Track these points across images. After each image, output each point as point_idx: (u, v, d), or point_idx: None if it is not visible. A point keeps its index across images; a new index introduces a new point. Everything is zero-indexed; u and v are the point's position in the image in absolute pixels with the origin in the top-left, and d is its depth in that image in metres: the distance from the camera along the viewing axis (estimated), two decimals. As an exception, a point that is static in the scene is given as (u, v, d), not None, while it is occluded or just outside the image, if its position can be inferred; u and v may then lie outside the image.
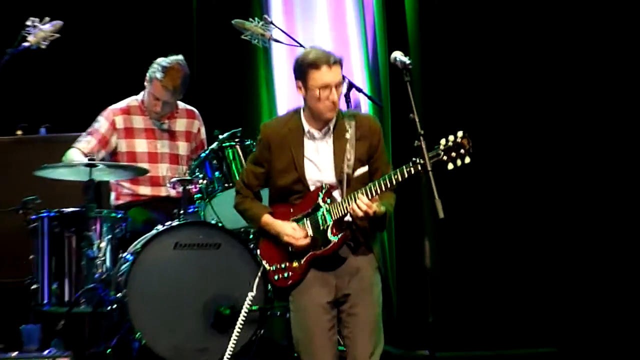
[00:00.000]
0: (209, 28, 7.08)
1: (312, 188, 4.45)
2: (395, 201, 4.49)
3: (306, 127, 4.47)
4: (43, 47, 5.45)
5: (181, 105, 6.17)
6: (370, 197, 4.31)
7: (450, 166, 4.20)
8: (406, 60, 4.41)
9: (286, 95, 7.01)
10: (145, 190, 6.05)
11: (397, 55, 4.45)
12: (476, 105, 6.76)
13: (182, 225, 5.44)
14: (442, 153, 4.21)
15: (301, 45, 5.77)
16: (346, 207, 4.34)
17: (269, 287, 5.09)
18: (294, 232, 4.41)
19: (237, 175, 5.48)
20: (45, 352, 5.41)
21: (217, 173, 5.62)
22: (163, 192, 6.06)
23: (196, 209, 5.71)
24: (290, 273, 4.46)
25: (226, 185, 5.58)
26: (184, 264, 5.37)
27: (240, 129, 5.69)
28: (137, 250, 5.39)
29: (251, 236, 5.56)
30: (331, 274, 4.46)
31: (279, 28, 5.95)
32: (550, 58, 6.74)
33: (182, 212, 5.55)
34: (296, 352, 4.53)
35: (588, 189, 6.67)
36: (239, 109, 7.04)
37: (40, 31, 5.43)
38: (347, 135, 4.41)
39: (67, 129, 6.43)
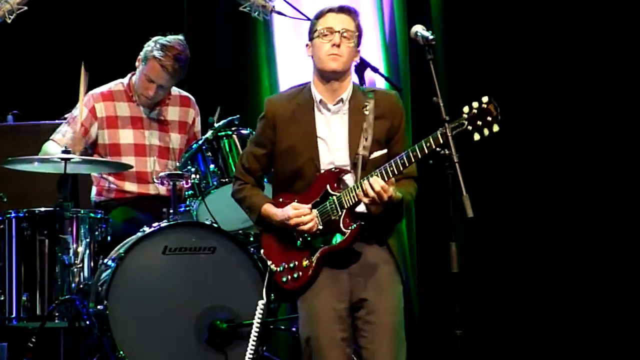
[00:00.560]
0: (201, -1, 7.10)
1: (322, 171, 4.37)
2: (417, 192, 4.41)
3: (317, 96, 4.37)
4: (9, 21, 5.44)
5: (174, 90, 5.99)
6: (386, 178, 4.19)
7: (477, 136, 4.09)
8: (429, 35, 4.26)
9: (291, 77, 6.84)
10: (131, 187, 5.89)
11: (418, 29, 4.31)
12: (510, 85, 6.59)
13: (171, 226, 5.30)
14: (467, 122, 4.10)
15: (308, 18, 5.58)
16: (360, 194, 4.23)
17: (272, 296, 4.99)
18: (297, 211, 4.30)
19: (234, 168, 5.35)
20: (14, 374, 5.47)
21: (211, 167, 5.50)
22: (151, 189, 5.89)
23: (188, 208, 5.59)
24: (300, 273, 4.34)
25: (222, 180, 5.46)
26: (174, 270, 5.25)
27: (237, 116, 5.57)
28: (120, 255, 5.26)
29: (251, 238, 5.50)
30: (345, 272, 4.34)
31: (282, -2, 5.97)
32: (588, 39, 6.64)
33: (171, 211, 5.40)
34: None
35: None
36: (236, 93, 6.97)
37: (6, 3, 5.40)
38: (365, 111, 4.32)
39: (38, 117, 6.31)
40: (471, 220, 3.93)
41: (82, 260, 5.41)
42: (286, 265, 4.36)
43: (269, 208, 4.39)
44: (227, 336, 5.11)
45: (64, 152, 5.35)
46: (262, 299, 4.64)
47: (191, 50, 5.96)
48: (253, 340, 4.72)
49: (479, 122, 4.08)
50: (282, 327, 5.47)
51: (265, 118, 4.41)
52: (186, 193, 5.56)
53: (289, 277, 4.35)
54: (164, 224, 5.29)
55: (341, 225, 4.28)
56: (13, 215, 5.42)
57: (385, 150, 4.33)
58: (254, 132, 5.19)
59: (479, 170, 6.09)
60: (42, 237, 5.38)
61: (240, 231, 5.48)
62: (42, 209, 5.42)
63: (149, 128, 5.89)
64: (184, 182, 5.44)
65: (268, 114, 4.40)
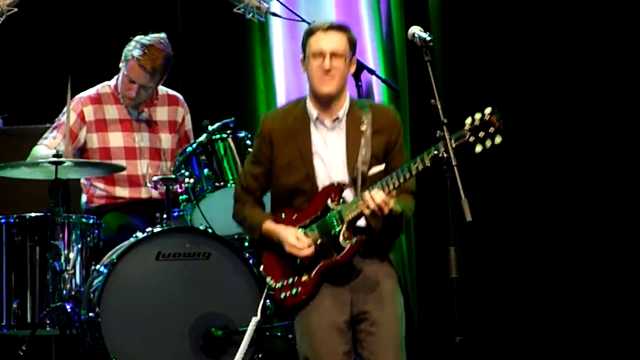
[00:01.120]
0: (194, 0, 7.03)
1: (320, 187, 4.37)
2: (415, 207, 4.41)
3: (314, 113, 4.38)
4: (-1, 23, 5.50)
5: (162, 90, 5.94)
6: (387, 191, 4.19)
7: (479, 148, 4.10)
8: (426, 36, 4.27)
9: (286, 79, 6.87)
10: (122, 192, 5.84)
11: (416, 30, 4.32)
12: (508, 88, 6.58)
13: (165, 231, 5.30)
14: (469, 134, 4.10)
15: (303, 20, 5.71)
16: (361, 205, 4.23)
17: (268, 302, 5.12)
18: (297, 241, 4.30)
19: (229, 172, 5.42)
20: (4, 384, 5.47)
21: (206, 170, 5.46)
22: (143, 193, 5.85)
23: (182, 213, 5.58)
24: (299, 288, 4.35)
25: (217, 184, 5.44)
26: (167, 277, 5.25)
27: (232, 119, 5.53)
28: (112, 261, 5.24)
29: (246, 244, 5.51)
30: (346, 288, 4.34)
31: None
32: (590, 41, 6.58)
33: (165, 216, 5.40)
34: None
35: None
36: (231, 96, 6.94)
37: (-4, 4, 5.51)
38: (362, 127, 4.32)
39: (28, 121, 6.30)
40: (470, 224, 3.93)
41: (74, 267, 5.39)
42: (285, 282, 4.36)
43: (269, 225, 4.38)
44: (222, 344, 5.11)
45: (55, 155, 5.28)
46: (258, 308, 4.63)
47: (185, 52, 6.00)
48: (241, 355, 4.74)
49: (481, 134, 4.08)
50: (279, 334, 5.41)
51: (261, 135, 4.41)
52: (180, 198, 5.53)
53: (288, 293, 4.34)
54: (157, 229, 5.27)
55: (341, 239, 4.27)
56: (3, 220, 5.40)
57: (383, 166, 4.33)
58: (249, 135, 5.22)
59: (477, 174, 6.06)
60: (32, 243, 5.37)
61: (236, 236, 5.45)
62: (33, 214, 5.40)
63: (138, 130, 5.85)
64: (178, 186, 5.43)
65: (264, 131, 4.40)
